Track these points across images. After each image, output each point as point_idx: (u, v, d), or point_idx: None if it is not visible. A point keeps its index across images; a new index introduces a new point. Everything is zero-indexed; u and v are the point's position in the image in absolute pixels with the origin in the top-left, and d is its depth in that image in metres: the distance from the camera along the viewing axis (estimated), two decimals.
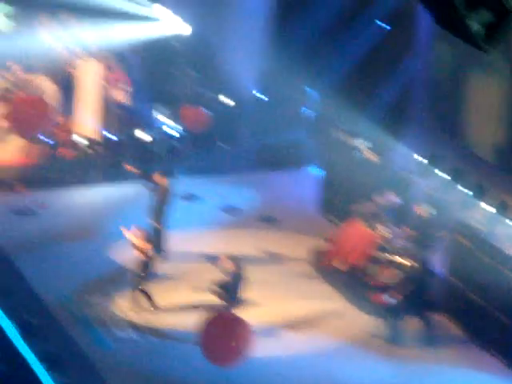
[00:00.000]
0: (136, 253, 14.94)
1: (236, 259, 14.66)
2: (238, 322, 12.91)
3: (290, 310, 15.47)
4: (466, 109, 18.84)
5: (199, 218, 18.07)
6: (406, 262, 15.41)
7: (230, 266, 14.52)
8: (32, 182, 19.21)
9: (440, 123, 19.42)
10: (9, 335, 13.97)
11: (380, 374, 14.07)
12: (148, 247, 14.90)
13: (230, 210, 18.55)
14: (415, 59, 19.83)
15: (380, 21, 20.31)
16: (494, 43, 8.48)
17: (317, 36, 20.80)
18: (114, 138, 20.51)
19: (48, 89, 21.47)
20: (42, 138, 19.55)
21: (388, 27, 20.38)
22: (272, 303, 15.58)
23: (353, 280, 16.03)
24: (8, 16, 22.36)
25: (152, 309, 14.97)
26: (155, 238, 16.38)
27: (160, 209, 16.37)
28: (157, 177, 16.49)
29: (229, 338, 12.79)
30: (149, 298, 15.00)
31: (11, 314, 14.43)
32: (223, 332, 12.82)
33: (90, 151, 20.17)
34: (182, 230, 17.08)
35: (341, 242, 16.48)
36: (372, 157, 17.66)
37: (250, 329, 12.86)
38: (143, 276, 14.98)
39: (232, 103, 21.95)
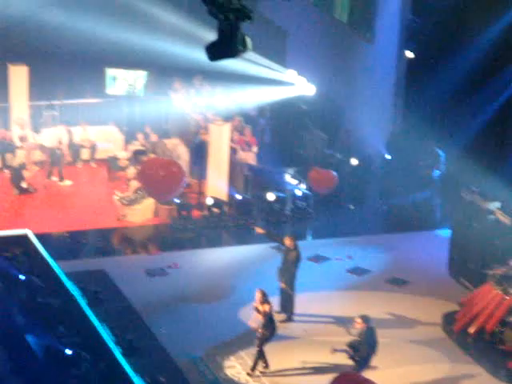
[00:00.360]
0: (256, 315, 15.01)
1: (368, 320, 14.53)
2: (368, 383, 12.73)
3: (421, 374, 15.16)
4: None
5: (326, 279, 18.03)
6: None
7: (361, 326, 14.41)
8: (164, 242, 19.67)
9: None
10: None
11: None
12: (266, 310, 14.90)
13: (357, 271, 18.45)
14: None
15: (510, 81, 20.06)
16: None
17: (446, 97, 20.69)
18: (244, 199, 20.80)
19: (181, 152, 22.10)
20: (174, 199, 20.04)
21: None
22: (402, 366, 15.33)
23: (486, 345, 15.61)
24: (144, 82, 23.24)
25: (263, 371, 14.94)
26: (283, 300, 16.44)
27: (289, 270, 16.45)
28: (287, 239, 16.61)
29: None
30: (263, 360, 15.00)
31: (143, 373, 14.66)
32: None
33: (220, 213, 20.52)
34: (309, 292, 17.07)
35: (473, 306, 16.11)
36: (505, 219, 17.27)
37: None
38: (263, 337, 14.99)
39: (361, 164, 21.98)
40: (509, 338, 15.29)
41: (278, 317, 15.97)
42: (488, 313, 15.77)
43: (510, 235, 17.00)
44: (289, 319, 16.50)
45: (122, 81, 23.05)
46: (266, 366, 15.09)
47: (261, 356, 15.03)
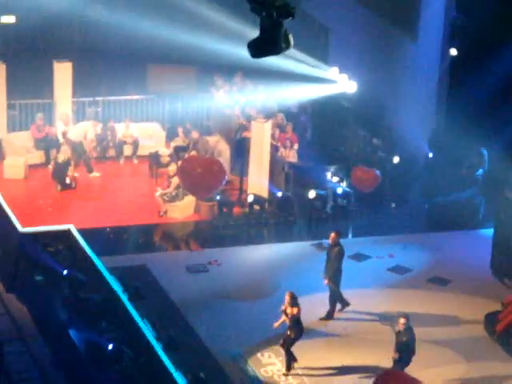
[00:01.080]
0: (283, 317, 14.98)
1: (407, 319, 14.45)
2: (413, 382, 12.65)
3: (461, 373, 15.07)
4: None
5: (367, 277, 17.95)
6: None
7: (402, 325, 14.34)
8: (205, 239, 19.74)
9: None
10: None
11: None
12: (294, 313, 14.86)
13: (398, 269, 18.35)
14: None
15: None
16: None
17: (491, 93, 20.49)
18: (285, 196, 20.79)
19: (222, 149, 22.14)
20: (215, 196, 20.10)
21: None
22: (442, 366, 15.24)
23: None
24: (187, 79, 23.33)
25: (286, 371, 14.93)
26: (331, 297, 16.42)
27: (332, 266, 16.41)
28: (332, 236, 16.56)
29: None
30: (290, 360, 14.96)
31: (183, 369, 14.72)
32: None
33: (260, 210, 20.53)
34: (349, 289, 17.00)
35: None
36: None
37: None
38: (289, 339, 14.94)
39: (403, 162, 21.85)
40: None
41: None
42: None
43: None
44: (330, 316, 16.49)
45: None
46: (295, 361, 15.05)
47: (290, 356, 14.99)
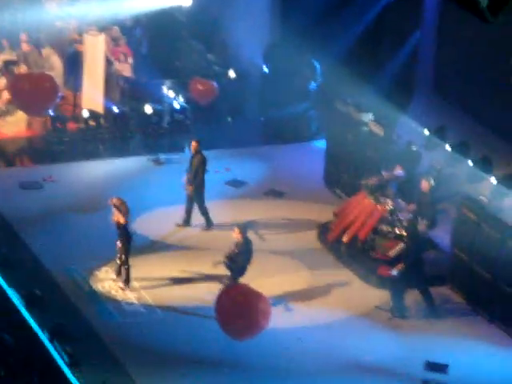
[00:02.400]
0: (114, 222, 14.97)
1: (245, 231, 14.69)
2: (255, 295, 12.90)
3: (297, 282, 15.53)
4: (472, 80, 18.76)
5: (205, 191, 18.04)
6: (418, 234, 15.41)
7: (238, 237, 14.58)
8: (38, 156, 19.28)
9: (446, 95, 19.35)
10: (15, 307, 14.06)
11: (385, 346, 14.14)
12: (121, 221, 14.86)
13: (235, 183, 18.57)
14: (421, 29, 19.76)
15: None
16: (497, 14, 8.48)
17: (322, 7, 20.73)
18: (121, 112, 20.51)
19: (54, 62, 21.48)
20: (48, 112, 19.58)
21: None
22: (277, 275, 15.65)
23: (358, 253, 16.07)
24: None
25: (124, 285, 15.02)
26: (188, 209, 16.60)
27: (198, 175, 16.55)
28: (193, 145, 16.69)
29: (244, 311, 12.78)
30: (126, 274, 15.04)
31: (18, 286, 14.53)
32: (238, 304, 12.80)
33: (96, 125, 20.20)
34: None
35: (347, 215, 16.49)
36: (378, 130, 17.62)
37: (267, 302, 12.84)
38: (122, 249, 14.99)
39: (238, 76, 21.91)
40: (379, 246, 15.76)
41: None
42: (361, 222, 16.19)
43: (381, 146, 17.39)
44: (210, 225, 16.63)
45: None
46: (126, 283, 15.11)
47: (127, 268, 15.01)
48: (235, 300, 13.07)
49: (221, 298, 13.09)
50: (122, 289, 14.99)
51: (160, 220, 17.01)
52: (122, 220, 14.88)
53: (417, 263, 14.74)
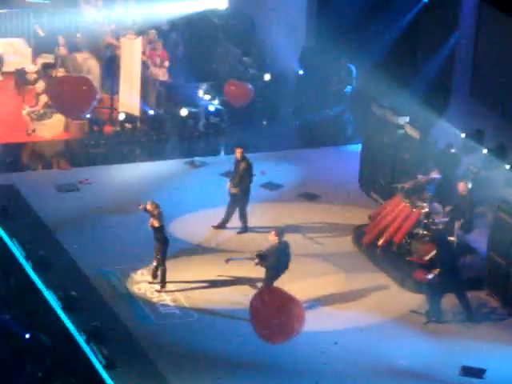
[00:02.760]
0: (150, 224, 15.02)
1: (282, 234, 14.67)
2: (289, 299, 12.88)
3: (332, 285, 15.50)
4: (509, 84, 18.61)
5: None
6: (449, 239, 15.33)
7: (274, 239, 14.58)
8: (75, 158, 19.43)
9: (483, 98, 19.22)
10: (52, 308, 14.17)
11: (420, 350, 14.06)
12: (154, 224, 14.91)
13: (270, 186, 18.57)
14: (459, 33, 19.64)
15: None
16: None
17: (359, 11, 20.69)
18: (157, 114, 20.61)
19: (92, 66, 21.66)
20: (85, 115, 19.71)
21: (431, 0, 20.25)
22: (313, 278, 15.63)
23: (394, 257, 16.00)
24: None
25: (160, 287, 15.08)
26: (229, 211, 16.68)
27: (243, 181, 16.61)
28: (239, 151, 16.72)
29: (279, 314, 12.76)
30: (162, 276, 15.11)
31: (54, 288, 14.64)
32: (272, 307, 12.79)
33: (132, 128, 20.32)
34: (224, 206, 17.11)
35: (382, 219, 16.43)
36: (413, 133, 17.54)
37: (301, 306, 12.83)
38: (159, 252, 15.04)
39: (274, 79, 21.92)
40: (415, 250, 15.68)
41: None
42: (396, 225, 16.12)
43: (418, 149, 17.30)
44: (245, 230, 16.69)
45: None
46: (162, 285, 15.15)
47: (159, 269, 15.07)
48: (269, 303, 13.04)
49: (255, 301, 13.07)
50: (158, 291, 15.06)
51: (195, 223, 17.05)
52: (156, 223, 14.95)
53: (453, 267, 14.65)
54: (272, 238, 14.67)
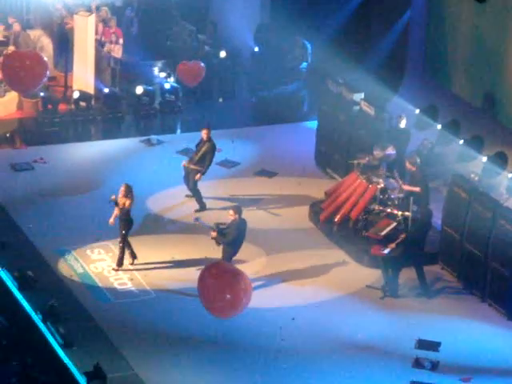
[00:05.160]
0: (116, 209, 14.97)
1: (240, 211, 14.69)
2: (237, 273, 12.96)
3: (289, 261, 15.56)
4: (462, 60, 18.78)
5: None
6: (404, 214, 15.47)
7: (233, 217, 14.60)
8: (29, 137, 19.24)
9: (437, 74, 19.37)
10: (8, 289, 14.08)
11: (377, 324, 14.21)
12: (126, 205, 14.88)
13: (226, 163, 18.57)
14: (412, 9, 19.75)
15: None
16: None
17: None
18: (112, 92, 20.45)
19: (44, 43, 21.41)
20: (39, 93, 19.52)
21: None
22: (269, 255, 15.69)
23: (350, 233, 16.11)
24: None
25: (132, 262, 15.06)
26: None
27: (203, 160, 16.61)
28: (203, 131, 16.72)
29: (227, 289, 12.82)
30: (130, 251, 15.08)
31: (10, 268, 14.54)
32: (221, 282, 12.85)
33: (86, 106, 20.14)
34: (178, 186, 17.09)
35: (339, 195, 16.52)
36: (369, 109, 17.62)
37: (248, 280, 12.91)
38: (121, 231, 14.98)
39: (229, 56, 21.86)
40: (371, 225, 15.80)
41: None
42: (352, 201, 16.22)
43: (373, 126, 17.40)
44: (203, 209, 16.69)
45: None
46: (135, 257, 15.16)
47: (125, 249, 15.03)
48: (216, 278, 13.05)
49: (202, 277, 13.06)
50: (115, 269, 15.01)
51: (151, 201, 17.01)
52: (127, 203, 14.86)
53: (413, 242, 14.78)
54: (231, 217, 14.69)
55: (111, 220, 15.06)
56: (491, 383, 13.14)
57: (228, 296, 12.58)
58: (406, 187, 15.80)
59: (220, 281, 12.75)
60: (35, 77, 17.41)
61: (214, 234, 14.61)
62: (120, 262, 15.06)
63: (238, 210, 14.72)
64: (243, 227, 14.74)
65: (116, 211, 14.98)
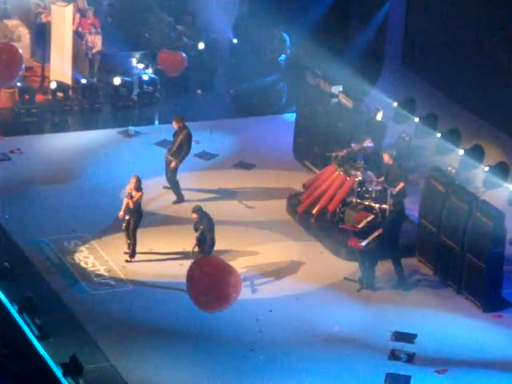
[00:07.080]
0: (127, 201, 14.93)
1: (200, 210, 14.64)
2: (225, 267, 12.92)
3: (266, 254, 15.58)
4: (441, 53, 18.84)
5: None
6: (381, 207, 15.51)
7: (196, 217, 14.59)
8: (6, 127, 19.13)
9: (415, 67, 19.43)
10: None
11: (354, 316, 14.26)
12: (137, 197, 14.87)
13: (205, 155, 18.54)
14: (391, 2, 19.79)
15: None
16: None
17: None
18: (89, 83, 20.37)
19: (22, 34, 21.28)
20: (16, 83, 19.40)
21: None
22: (247, 248, 15.69)
23: (328, 225, 16.13)
24: None
25: (129, 254, 15.06)
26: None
27: (182, 149, 16.58)
28: (174, 120, 16.70)
29: (213, 283, 12.80)
30: (133, 245, 15.08)
31: None
32: (206, 276, 12.83)
33: (64, 97, 20.05)
34: (157, 177, 17.06)
35: (317, 187, 16.54)
36: (347, 102, 17.65)
37: (237, 274, 12.87)
38: (134, 225, 14.97)
39: (207, 48, 21.82)
40: (349, 218, 15.83)
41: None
42: (330, 194, 16.24)
43: (351, 118, 17.43)
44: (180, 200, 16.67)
45: None
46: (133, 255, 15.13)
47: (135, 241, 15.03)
48: (205, 272, 13.04)
49: (191, 271, 13.07)
50: (128, 261, 14.95)
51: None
52: (138, 196, 14.87)
53: (390, 234, 14.83)
54: (194, 217, 14.66)
55: (121, 213, 14.99)
56: (466, 375, 13.22)
57: (217, 291, 12.50)
58: (395, 190, 15.67)
59: (212, 277, 12.67)
60: (11, 70, 17.27)
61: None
62: (133, 254, 15.01)
63: (196, 209, 14.63)
64: (211, 221, 14.66)
65: (126, 202, 14.86)
